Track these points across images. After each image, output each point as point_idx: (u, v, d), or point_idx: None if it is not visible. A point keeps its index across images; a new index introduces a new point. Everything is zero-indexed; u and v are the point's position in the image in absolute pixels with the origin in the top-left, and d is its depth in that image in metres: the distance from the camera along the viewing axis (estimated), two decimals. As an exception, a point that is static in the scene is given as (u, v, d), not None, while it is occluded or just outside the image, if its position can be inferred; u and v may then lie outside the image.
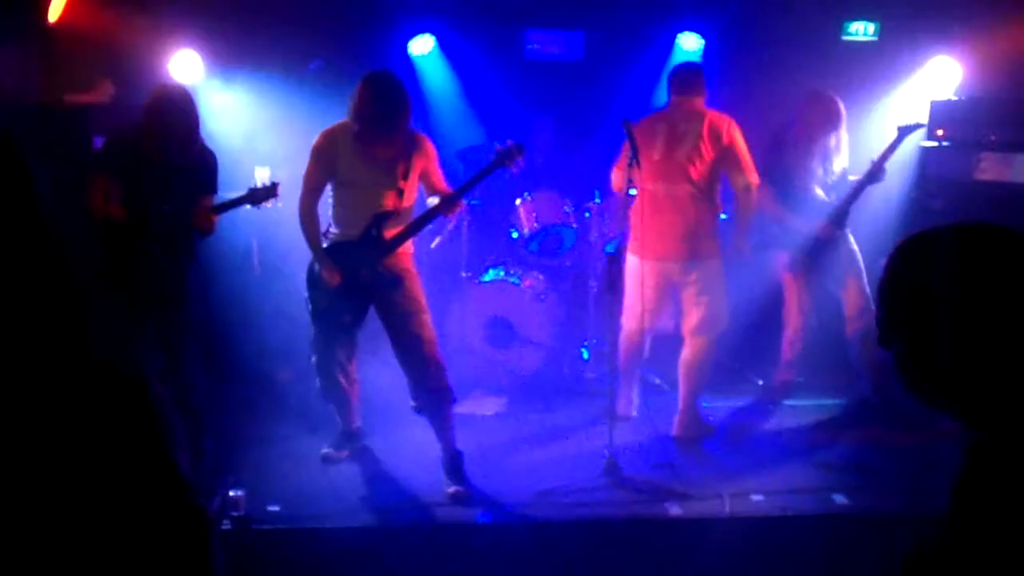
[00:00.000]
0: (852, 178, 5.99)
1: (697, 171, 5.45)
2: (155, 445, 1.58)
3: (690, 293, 5.58)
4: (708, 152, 5.44)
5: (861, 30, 7.43)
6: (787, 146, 5.91)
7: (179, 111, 4.96)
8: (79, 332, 1.54)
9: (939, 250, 1.69)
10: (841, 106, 5.87)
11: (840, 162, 5.96)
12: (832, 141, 5.89)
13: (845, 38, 7.43)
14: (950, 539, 1.64)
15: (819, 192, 5.93)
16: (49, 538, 1.48)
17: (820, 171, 5.91)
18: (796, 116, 5.92)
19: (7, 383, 1.47)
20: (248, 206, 5.25)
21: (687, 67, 5.81)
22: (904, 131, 5.85)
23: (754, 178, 5.51)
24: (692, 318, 5.60)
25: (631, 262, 5.64)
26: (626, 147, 5.32)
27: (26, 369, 1.49)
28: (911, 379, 1.72)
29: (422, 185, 5.07)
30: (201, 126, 5.10)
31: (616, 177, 5.66)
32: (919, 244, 1.72)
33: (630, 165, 5.17)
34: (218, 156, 5.24)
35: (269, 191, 5.21)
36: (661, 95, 6.14)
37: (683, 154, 5.45)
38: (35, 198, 1.54)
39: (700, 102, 5.58)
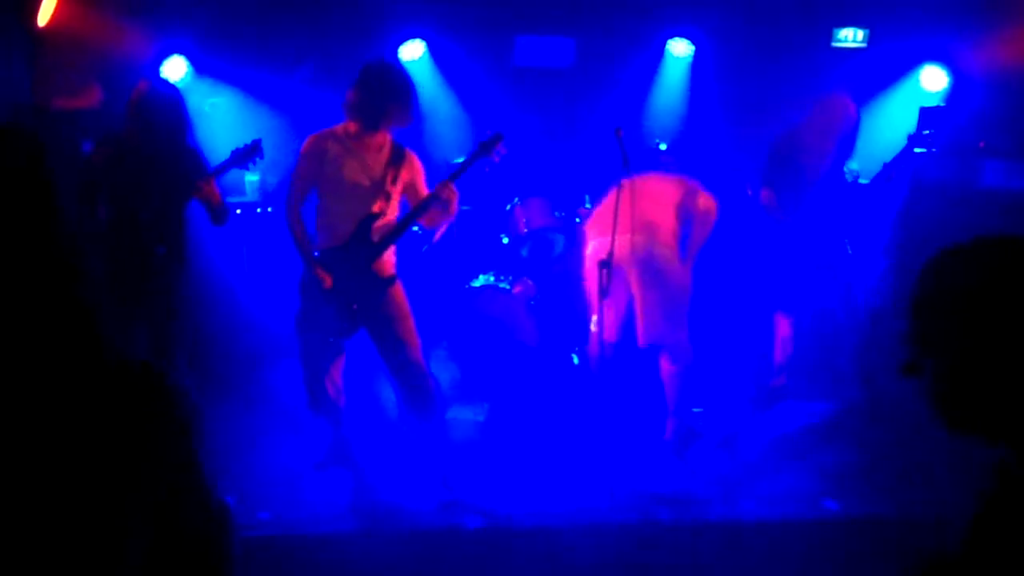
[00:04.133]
0: (863, 181, 6.00)
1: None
2: (181, 438, 1.59)
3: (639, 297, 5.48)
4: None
5: (851, 36, 7.45)
6: (800, 149, 5.89)
7: (163, 105, 4.98)
8: (101, 330, 1.56)
9: (978, 266, 1.63)
10: (857, 109, 5.86)
11: (850, 165, 5.97)
12: (847, 144, 5.88)
13: (835, 44, 7.46)
14: (973, 553, 1.61)
15: (837, 190, 5.93)
16: (71, 532, 1.49)
17: (832, 173, 5.91)
18: (812, 119, 5.89)
19: (37, 381, 1.48)
20: (238, 169, 5.24)
21: None
22: (915, 140, 5.85)
23: (712, 203, 5.48)
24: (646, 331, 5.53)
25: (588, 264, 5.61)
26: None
27: (54, 367, 1.50)
28: (944, 402, 1.65)
29: (407, 200, 5.07)
30: (188, 123, 5.11)
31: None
32: (954, 260, 1.66)
33: (622, 169, 5.15)
34: (206, 160, 5.24)
35: (252, 150, 5.18)
36: (652, 100, 6.14)
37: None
38: (55, 202, 1.58)
39: None
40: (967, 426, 1.65)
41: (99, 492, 1.50)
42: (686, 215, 5.47)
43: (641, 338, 5.43)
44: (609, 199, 5.32)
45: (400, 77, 4.93)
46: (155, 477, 1.55)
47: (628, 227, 5.11)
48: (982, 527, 1.61)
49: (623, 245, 5.15)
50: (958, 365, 1.62)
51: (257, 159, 5.23)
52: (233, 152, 5.18)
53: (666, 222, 5.40)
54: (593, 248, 5.51)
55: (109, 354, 1.55)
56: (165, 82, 5.35)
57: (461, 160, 6.66)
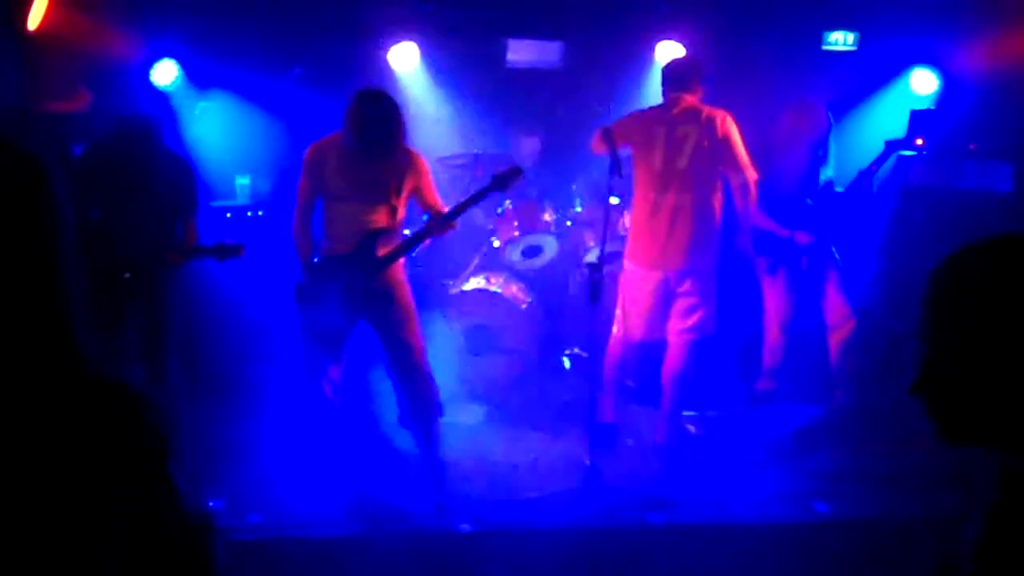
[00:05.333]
0: (838, 189, 6.01)
1: (699, 178, 5.39)
2: (156, 457, 1.59)
3: (685, 302, 5.53)
4: (707, 153, 5.38)
5: (841, 40, 7.45)
6: (773, 155, 5.90)
7: (136, 138, 5.03)
8: (80, 342, 1.55)
9: (985, 266, 1.58)
10: (828, 115, 5.89)
11: (826, 171, 5.98)
12: (818, 151, 5.91)
13: (825, 47, 7.46)
14: (984, 563, 1.61)
15: (813, 196, 5.95)
16: (50, 549, 1.48)
17: (806, 180, 5.92)
18: (783, 125, 5.92)
19: (13, 395, 1.47)
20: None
21: (681, 61, 5.71)
22: (892, 146, 5.86)
23: (751, 174, 5.46)
24: (682, 325, 5.57)
25: (630, 272, 5.62)
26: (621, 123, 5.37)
27: (31, 380, 1.49)
28: (957, 416, 1.60)
29: (415, 201, 5.05)
30: (163, 146, 5.15)
31: (596, 140, 5.56)
32: (963, 260, 1.61)
33: (611, 174, 5.17)
34: (198, 164, 5.25)
35: (235, 251, 5.17)
36: (642, 103, 6.13)
37: (684, 161, 5.37)
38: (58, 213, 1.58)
39: (695, 98, 5.51)
40: (969, 434, 1.60)
41: (69, 507, 1.49)
42: None
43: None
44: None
45: (390, 113, 4.81)
46: (127, 492, 1.54)
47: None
48: (993, 537, 1.60)
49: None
50: (964, 365, 1.57)
51: (235, 259, 5.22)
52: (217, 243, 5.15)
53: None
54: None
55: (83, 367, 1.54)
56: (136, 115, 5.34)
57: (446, 156, 6.73)
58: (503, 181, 4.96)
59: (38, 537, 1.47)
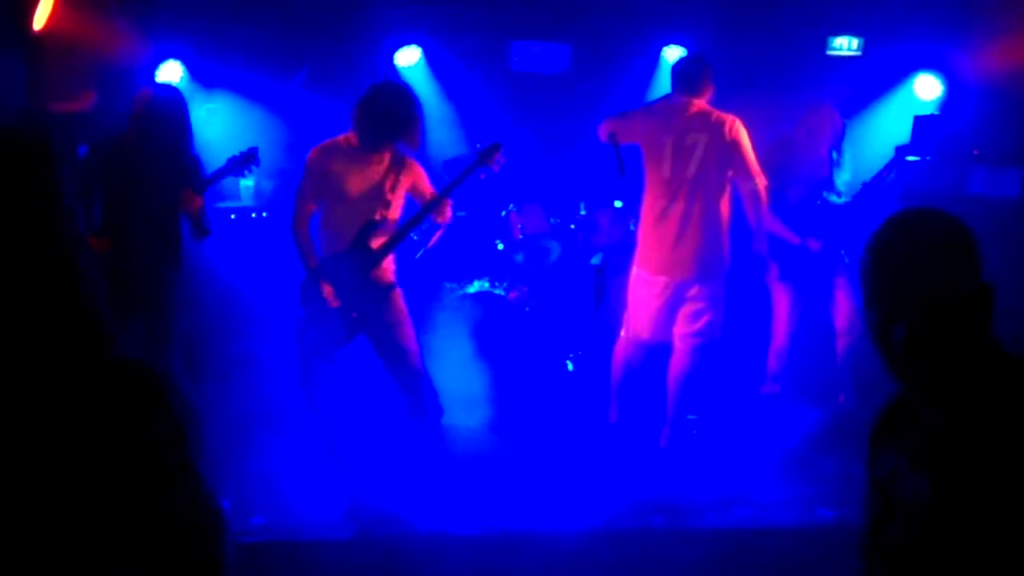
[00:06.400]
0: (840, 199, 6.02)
1: (707, 185, 5.33)
2: (177, 444, 1.59)
3: (692, 307, 5.50)
4: (716, 159, 5.31)
5: (845, 45, 7.46)
6: (788, 158, 5.88)
7: (165, 114, 5.02)
8: (101, 330, 1.56)
9: (885, 234, 1.90)
10: (842, 119, 5.88)
11: (842, 177, 5.97)
12: (834, 155, 5.89)
13: (829, 52, 7.46)
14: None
15: (828, 200, 5.94)
16: (64, 533, 1.49)
17: (820, 184, 5.91)
18: (799, 128, 5.90)
19: (34, 380, 1.48)
20: (231, 177, 5.27)
21: (690, 62, 5.58)
22: (903, 151, 5.85)
23: (761, 181, 5.38)
24: (688, 329, 5.55)
25: (638, 276, 5.59)
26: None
27: (52, 366, 1.50)
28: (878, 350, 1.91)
29: (417, 201, 5.08)
30: (189, 131, 5.14)
31: (601, 133, 5.52)
32: (879, 230, 1.93)
33: (616, 178, 5.17)
34: (204, 166, 5.25)
35: (248, 157, 5.19)
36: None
37: (692, 169, 5.30)
38: (63, 206, 1.60)
39: (704, 102, 5.42)
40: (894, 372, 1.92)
41: (90, 490, 1.50)
42: None
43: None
44: None
45: (406, 105, 4.90)
46: (148, 476, 1.55)
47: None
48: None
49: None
50: (879, 321, 1.89)
51: (253, 167, 5.24)
52: (229, 160, 5.20)
53: None
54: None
55: (110, 353, 1.55)
56: (169, 88, 5.36)
57: (452, 158, 6.74)
58: (486, 156, 5.08)
59: (57, 515, 1.48)
